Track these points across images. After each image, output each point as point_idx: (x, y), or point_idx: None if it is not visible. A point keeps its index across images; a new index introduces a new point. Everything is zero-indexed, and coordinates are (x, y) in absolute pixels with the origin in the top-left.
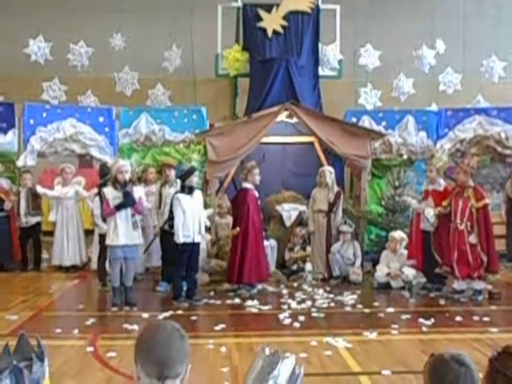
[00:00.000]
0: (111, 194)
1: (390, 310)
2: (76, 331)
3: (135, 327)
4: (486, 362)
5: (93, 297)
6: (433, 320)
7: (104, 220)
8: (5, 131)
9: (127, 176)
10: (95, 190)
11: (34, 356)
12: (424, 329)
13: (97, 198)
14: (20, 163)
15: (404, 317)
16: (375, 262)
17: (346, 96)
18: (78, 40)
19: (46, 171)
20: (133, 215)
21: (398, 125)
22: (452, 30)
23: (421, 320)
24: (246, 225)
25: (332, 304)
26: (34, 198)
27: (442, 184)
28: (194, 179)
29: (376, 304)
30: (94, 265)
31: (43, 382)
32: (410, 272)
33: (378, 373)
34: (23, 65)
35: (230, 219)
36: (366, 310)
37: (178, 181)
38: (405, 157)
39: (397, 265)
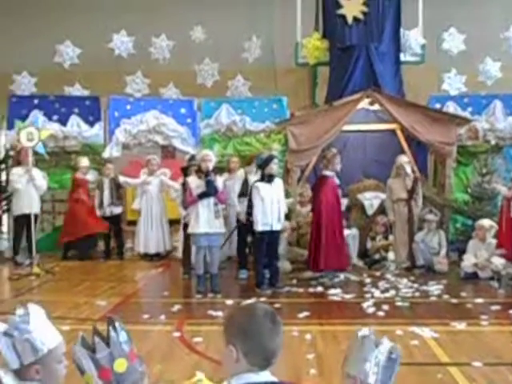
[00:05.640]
0: (194, 182)
1: (479, 300)
2: (163, 317)
3: (219, 313)
4: None
5: (177, 284)
6: None
7: (185, 208)
8: (91, 124)
9: (210, 165)
10: (181, 180)
11: (98, 341)
12: None
13: (180, 187)
14: (106, 155)
15: (494, 308)
16: (461, 252)
17: (428, 82)
18: (159, 34)
19: (132, 163)
20: (215, 204)
21: (484, 110)
22: None
23: None
24: (320, 211)
25: (416, 293)
26: (117, 188)
27: None
28: (274, 166)
29: (463, 294)
30: (179, 253)
31: (115, 364)
32: (499, 262)
33: (468, 364)
34: (108, 60)
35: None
36: (453, 301)
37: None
38: (492, 143)
39: (485, 254)
